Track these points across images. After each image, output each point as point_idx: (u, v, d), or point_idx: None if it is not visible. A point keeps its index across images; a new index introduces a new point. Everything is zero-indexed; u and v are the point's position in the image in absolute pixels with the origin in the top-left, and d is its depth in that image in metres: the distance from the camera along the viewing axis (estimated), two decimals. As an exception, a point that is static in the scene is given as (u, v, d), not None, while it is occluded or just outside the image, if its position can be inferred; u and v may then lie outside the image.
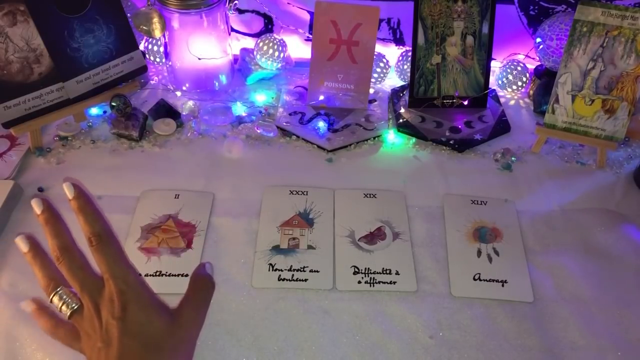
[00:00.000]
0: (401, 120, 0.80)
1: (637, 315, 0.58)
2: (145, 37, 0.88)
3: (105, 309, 0.42)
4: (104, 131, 0.77)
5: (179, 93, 0.85)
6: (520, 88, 0.87)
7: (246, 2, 0.89)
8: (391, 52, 0.92)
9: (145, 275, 0.59)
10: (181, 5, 0.75)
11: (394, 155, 0.77)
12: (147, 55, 0.89)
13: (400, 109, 0.82)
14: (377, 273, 0.61)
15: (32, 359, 0.53)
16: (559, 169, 0.75)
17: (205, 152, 0.75)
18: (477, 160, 0.76)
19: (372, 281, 0.60)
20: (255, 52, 0.89)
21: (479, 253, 0.63)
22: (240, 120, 0.80)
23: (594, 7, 0.70)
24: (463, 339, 0.55)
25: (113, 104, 0.74)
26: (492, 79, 0.86)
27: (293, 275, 0.60)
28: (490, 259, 0.63)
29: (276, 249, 0.62)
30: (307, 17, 0.90)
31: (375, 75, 0.87)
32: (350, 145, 0.77)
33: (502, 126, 0.81)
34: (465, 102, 0.82)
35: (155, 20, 0.76)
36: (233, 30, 0.92)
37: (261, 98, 0.84)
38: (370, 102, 0.84)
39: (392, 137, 0.78)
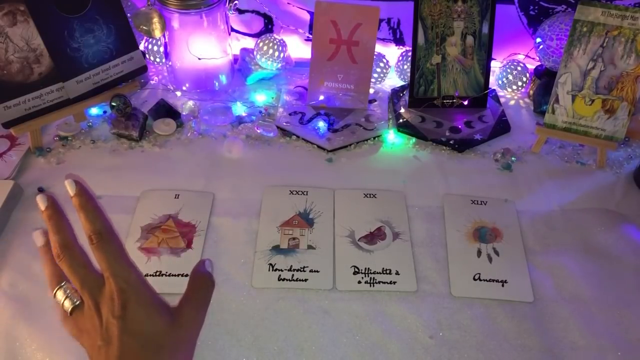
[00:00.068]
0: (401, 120, 0.80)
1: (637, 315, 0.58)
2: (145, 37, 0.88)
3: (106, 307, 0.42)
4: (104, 131, 0.77)
5: (179, 93, 0.85)
6: (520, 88, 0.87)
7: (246, 2, 0.89)
8: (391, 52, 0.92)
9: (145, 276, 0.59)
10: (181, 5, 0.75)
11: (394, 155, 0.77)
12: (147, 55, 0.89)
13: (400, 109, 0.82)
14: (377, 273, 0.61)
15: (32, 359, 0.53)
16: (559, 169, 0.75)
17: (205, 152, 0.75)
18: (477, 160, 0.76)
19: (372, 281, 0.60)
20: (255, 52, 0.89)
21: (479, 253, 0.63)
22: (240, 120, 0.80)
23: (594, 7, 0.70)
24: (463, 339, 0.55)
25: (113, 104, 0.74)
26: (492, 79, 0.86)
27: (293, 275, 0.60)
28: (490, 259, 0.63)
29: (276, 249, 0.62)
30: (307, 17, 0.90)
31: (375, 75, 0.87)
32: (350, 145, 0.77)
33: (502, 126, 0.81)
34: (465, 102, 0.82)
35: (155, 20, 0.76)
36: (233, 30, 0.92)
37: (261, 98, 0.84)
38: (370, 102, 0.84)
39: (392, 137, 0.78)
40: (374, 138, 0.78)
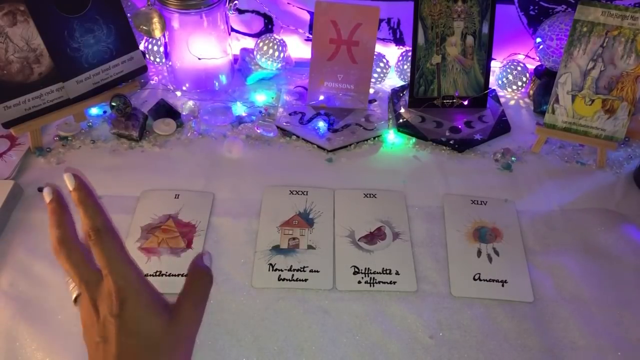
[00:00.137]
0: (401, 120, 0.80)
1: (637, 315, 0.58)
2: (145, 37, 0.88)
3: (103, 304, 0.41)
4: (104, 131, 0.77)
5: (179, 93, 0.85)
6: (520, 88, 0.87)
7: (246, 2, 0.89)
8: (391, 52, 0.92)
9: (145, 276, 0.59)
10: (181, 5, 0.75)
11: (394, 155, 0.77)
12: (147, 55, 0.89)
13: (400, 109, 0.82)
14: (377, 273, 0.61)
15: (32, 359, 0.53)
16: (559, 169, 0.75)
17: (205, 152, 0.75)
18: (477, 160, 0.76)
19: (372, 281, 0.60)
20: (255, 52, 0.89)
21: (479, 253, 0.63)
22: (240, 120, 0.80)
23: (594, 7, 0.70)
24: (463, 339, 0.55)
25: (113, 104, 0.74)
26: (492, 79, 0.86)
27: (293, 275, 0.60)
28: (490, 259, 0.63)
29: (276, 249, 0.62)
30: (307, 17, 0.90)
31: (375, 75, 0.87)
32: (350, 145, 0.77)
33: (502, 126, 0.81)
34: (465, 102, 0.82)
35: (155, 20, 0.76)
36: (233, 30, 0.92)
37: (261, 98, 0.84)
38: (370, 102, 0.84)
39: (392, 137, 0.78)
40: (374, 138, 0.78)
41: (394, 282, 0.60)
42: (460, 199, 0.70)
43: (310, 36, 0.91)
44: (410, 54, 0.82)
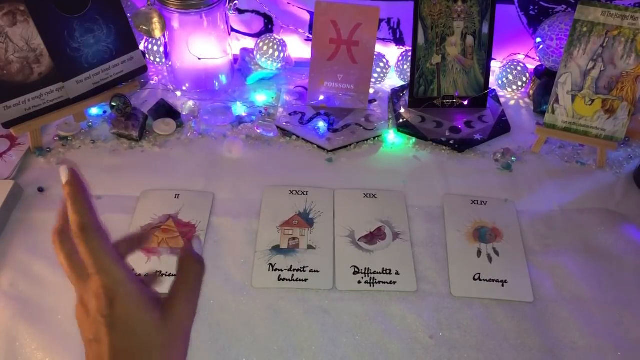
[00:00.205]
0: (401, 120, 0.80)
1: (637, 315, 0.58)
2: (145, 37, 0.88)
3: (92, 303, 0.41)
4: (104, 131, 0.77)
5: (179, 93, 0.85)
6: (520, 88, 0.87)
7: (246, 2, 0.89)
8: (391, 52, 0.92)
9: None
10: (181, 5, 0.75)
11: (394, 155, 0.77)
12: (147, 55, 0.89)
13: (400, 109, 0.82)
14: (377, 273, 0.61)
15: (32, 359, 0.53)
16: (559, 169, 0.75)
17: (205, 152, 0.75)
18: (477, 160, 0.76)
19: (372, 281, 0.60)
20: (255, 52, 0.89)
21: (479, 253, 0.63)
22: (240, 120, 0.80)
23: (594, 7, 0.70)
24: (463, 339, 0.55)
25: (113, 104, 0.74)
26: (492, 79, 0.86)
27: (293, 275, 0.60)
28: (490, 259, 0.63)
29: (276, 249, 0.62)
30: (307, 17, 0.90)
31: (375, 75, 0.87)
32: (350, 145, 0.77)
33: (502, 126, 0.81)
34: (465, 102, 0.82)
35: (155, 20, 0.76)
36: (233, 30, 0.92)
37: (261, 98, 0.84)
38: (370, 102, 0.84)
39: (392, 137, 0.78)
40: (374, 138, 0.78)
41: (394, 282, 0.60)
42: (460, 199, 0.70)
43: (310, 36, 0.91)
44: (410, 54, 0.82)
